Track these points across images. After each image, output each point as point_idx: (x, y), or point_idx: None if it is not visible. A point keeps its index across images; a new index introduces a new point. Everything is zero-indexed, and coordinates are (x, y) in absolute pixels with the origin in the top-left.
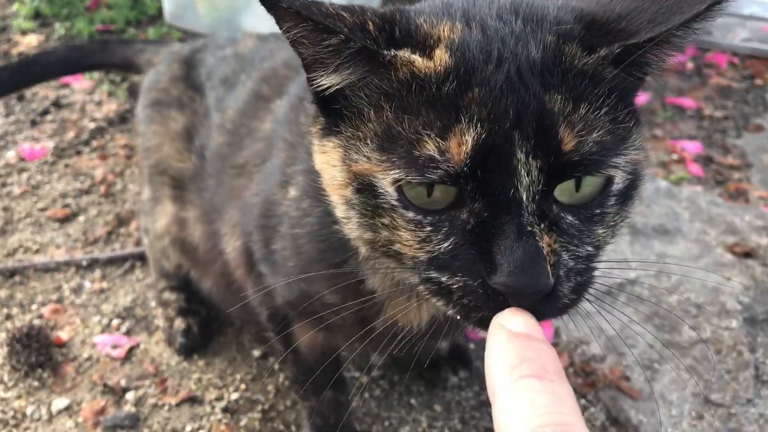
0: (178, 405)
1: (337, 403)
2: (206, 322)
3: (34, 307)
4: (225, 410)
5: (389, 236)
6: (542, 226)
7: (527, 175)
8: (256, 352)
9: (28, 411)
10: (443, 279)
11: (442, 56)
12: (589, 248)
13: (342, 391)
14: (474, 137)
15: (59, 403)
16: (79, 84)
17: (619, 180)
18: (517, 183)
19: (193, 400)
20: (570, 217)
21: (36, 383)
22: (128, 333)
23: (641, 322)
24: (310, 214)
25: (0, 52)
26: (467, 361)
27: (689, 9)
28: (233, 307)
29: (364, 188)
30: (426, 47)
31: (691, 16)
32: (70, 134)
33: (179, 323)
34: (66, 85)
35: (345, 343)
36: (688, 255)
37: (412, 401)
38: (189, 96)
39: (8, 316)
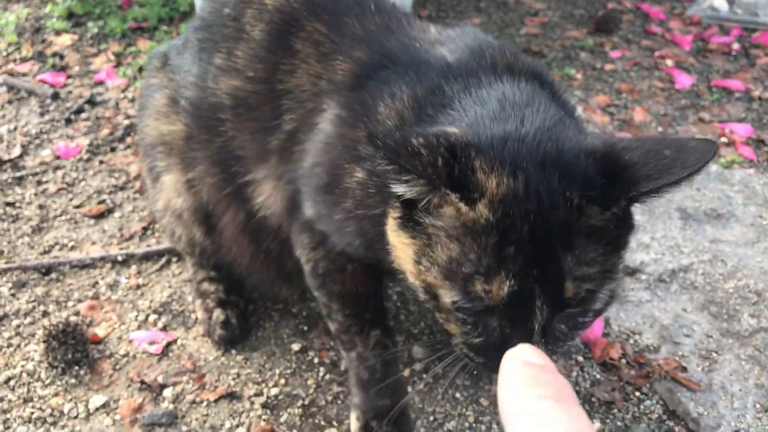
0: (216, 401)
1: (384, 347)
2: (244, 315)
3: (70, 304)
4: (264, 406)
5: (443, 323)
6: (542, 341)
7: (540, 315)
8: (296, 346)
9: (66, 408)
10: (471, 354)
11: (483, 211)
12: (569, 343)
13: (388, 334)
14: (509, 287)
15: (96, 400)
16: (113, 81)
17: (599, 304)
18: (533, 319)
19: (231, 396)
20: (563, 326)
21: (73, 380)
22: (165, 329)
23: (696, 310)
24: (374, 198)
25: (35, 52)
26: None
27: (678, 173)
28: (258, 275)
29: (430, 293)
30: (472, 199)
31: (676, 180)
32: (105, 131)
33: (218, 315)
34: (100, 83)
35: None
36: (744, 240)
37: (458, 395)
38: (168, 78)
39: (45, 313)
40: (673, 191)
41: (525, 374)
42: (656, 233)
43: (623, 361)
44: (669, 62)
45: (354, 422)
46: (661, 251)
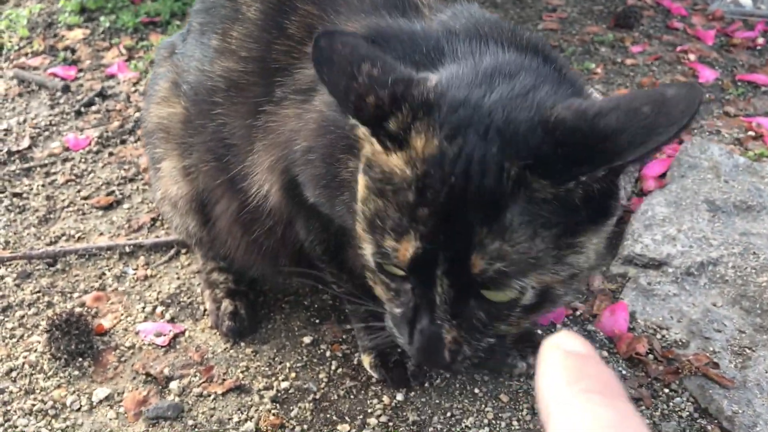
0: (224, 394)
1: None
2: (254, 306)
3: (75, 295)
4: (274, 400)
5: (373, 285)
6: (454, 322)
7: (440, 287)
8: (307, 339)
9: (68, 401)
10: (394, 331)
11: (400, 164)
12: (491, 339)
13: None
14: (413, 249)
15: (100, 392)
16: (124, 75)
17: (528, 297)
18: (434, 289)
19: (240, 389)
20: (482, 314)
21: (76, 372)
22: (172, 320)
23: (727, 305)
24: None
25: (46, 46)
26: (536, 345)
27: (665, 132)
28: (254, 268)
29: (360, 245)
30: (387, 146)
31: (664, 141)
32: (115, 123)
33: (227, 305)
34: (112, 77)
35: None
36: None
37: (476, 391)
38: (174, 65)
39: (49, 304)
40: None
41: (567, 365)
42: (683, 225)
43: (650, 356)
44: (692, 57)
45: (366, 358)
46: (689, 244)
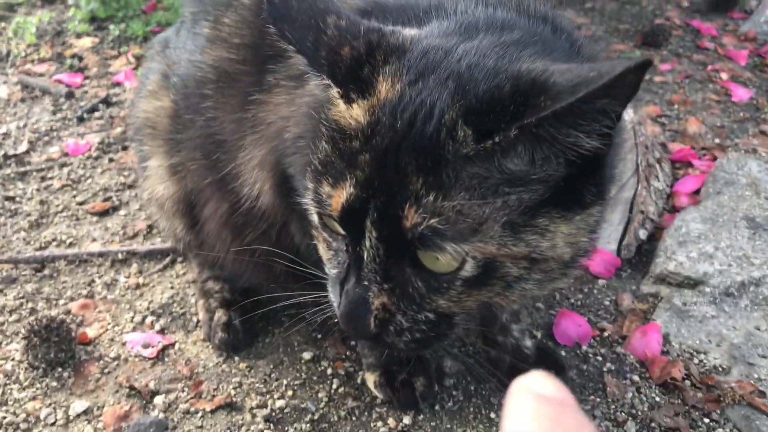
0: (213, 412)
1: None
2: (250, 318)
3: (61, 302)
4: (267, 419)
5: (318, 245)
6: (384, 286)
7: (369, 240)
8: (307, 355)
9: (43, 414)
10: (331, 295)
11: (357, 113)
12: (429, 314)
13: None
14: (346, 197)
15: (78, 406)
16: (131, 83)
17: (469, 268)
18: (362, 243)
19: (230, 406)
20: (419, 283)
21: (54, 383)
22: (163, 331)
23: None
24: None
25: (54, 53)
26: (560, 368)
27: (591, 83)
28: (245, 276)
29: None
30: (352, 99)
31: (582, 95)
32: (118, 130)
33: (220, 316)
34: (118, 84)
35: None
36: None
37: (492, 415)
38: (165, 58)
39: (33, 311)
40: (589, 127)
41: (539, 413)
42: (720, 243)
43: (687, 382)
44: (724, 76)
45: (370, 376)
46: (728, 262)
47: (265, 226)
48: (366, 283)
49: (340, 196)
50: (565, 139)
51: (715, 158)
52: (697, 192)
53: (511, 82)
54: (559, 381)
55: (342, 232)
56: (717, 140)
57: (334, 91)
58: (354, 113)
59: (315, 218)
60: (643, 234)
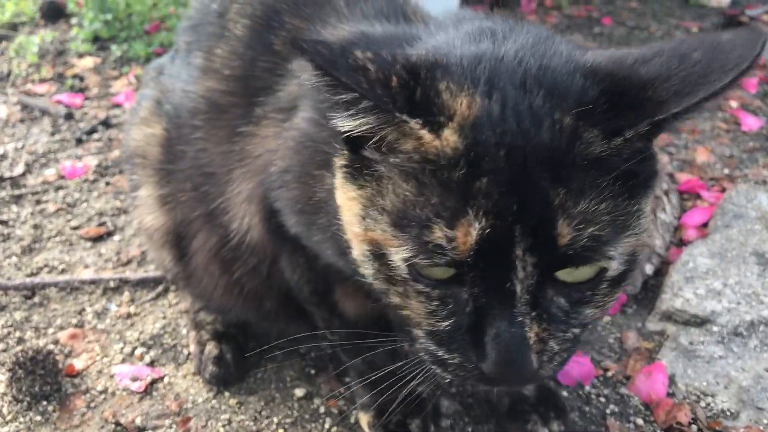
0: None
1: (393, 352)
2: (242, 352)
3: (50, 331)
4: None
5: (400, 302)
6: (533, 314)
7: (523, 270)
8: (299, 392)
9: None
10: (440, 353)
11: (451, 138)
12: (576, 330)
13: (396, 340)
14: (479, 231)
15: None
16: (131, 104)
17: (615, 268)
18: (514, 276)
19: None
20: (562, 300)
21: (38, 417)
22: (152, 364)
23: None
24: None
25: (55, 73)
26: (561, 410)
27: (718, 79)
28: (234, 312)
29: (378, 256)
30: (437, 124)
31: (718, 89)
32: (116, 152)
33: (211, 348)
34: (118, 105)
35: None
36: None
37: None
38: (159, 84)
39: (20, 340)
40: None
41: None
42: (729, 279)
43: (694, 427)
44: (733, 104)
45: (364, 416)
46: (736, 300)
47: (255, 261)
48: (520, 319)
49: (467, 235)
50: (678, 123)
51: (724, 189)
52: (705, 225)
53: (591, 78)
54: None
55: (451, 273)
56: (726, 170)
57: (413, 123)
58: (447, 139)
59: (403, 273)
60: (649, 269)
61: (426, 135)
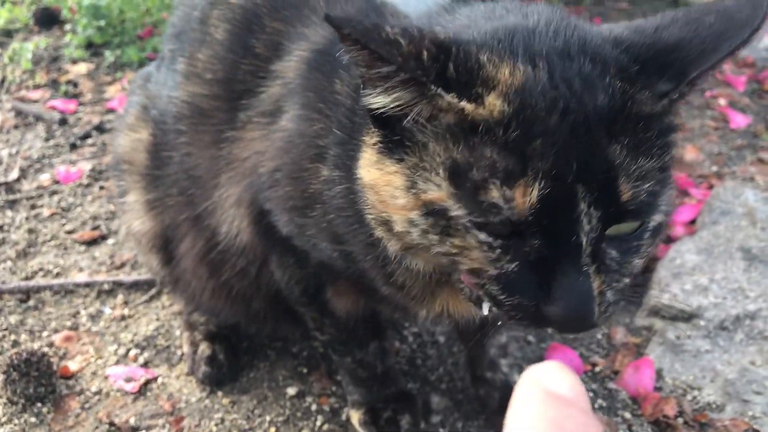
0: None
1: (382, 350)
2: (235, 352)
3: (45, 333)
4: None
5: (457, 255)
6: (594, 267)
7: (588, 224)
8: (291, 390)
9: None
10: (502, 297)
11: (495, 103)
12: (626, 279)
13: (385, 338)
14: (539, 191)
15: None
16: (120, 111)
17: (658, 218)
18: (579, 230)
19: None
20: (614, 252)
21: (33, 419)
22: (146, 365)
23: (767, 363)
24: (342, 195)
25: (49, 79)
26: None
27: (736, 36)
28: (223, 314)
29: (435, 213)
30: (475, 94)
31: (738, 44)
32: (109, 157)
33: (204, 349)
34: (112, 111)
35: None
36: None
37: None
38: (145, 91)
39: (15, 343)
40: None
41: (543, 414)
42: (715, 275)
43: (680, 420)
44: (722, 102)
45: (355, 414)
46: (722, 295)
47: (244, 264)
48: (586, 269)
49: (526, 195)
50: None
51: (712, 186)
52: (693, 221)
53: (618, 47)
54: (573, 375)
55: (509, 229)
56: (714, 168)
57: (449, 98)
58: (492, 105)
59: (462, 220)
60: None
61: (467, 106)
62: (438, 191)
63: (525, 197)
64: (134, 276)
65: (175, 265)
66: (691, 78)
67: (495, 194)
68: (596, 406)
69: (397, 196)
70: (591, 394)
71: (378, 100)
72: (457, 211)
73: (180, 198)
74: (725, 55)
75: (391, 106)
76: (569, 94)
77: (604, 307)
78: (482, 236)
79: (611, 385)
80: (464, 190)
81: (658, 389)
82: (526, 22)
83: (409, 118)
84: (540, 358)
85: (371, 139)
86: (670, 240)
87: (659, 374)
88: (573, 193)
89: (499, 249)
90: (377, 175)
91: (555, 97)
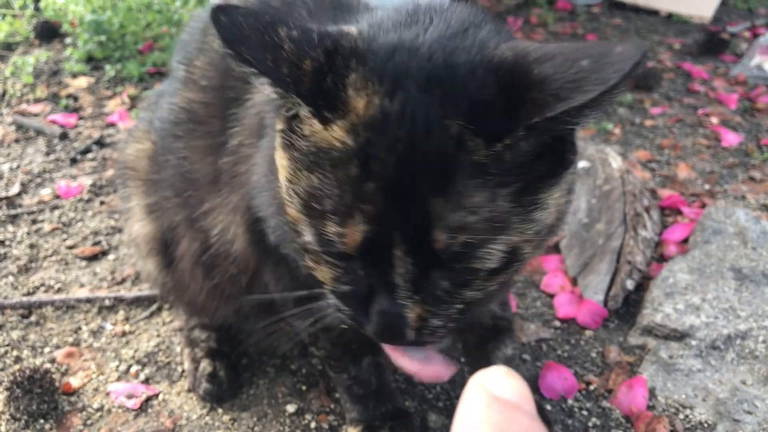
0: None
1: (377, 365)
2: (235, 369)
3: (47, 349)
4: None
5: (313, 266)
6: (417, 298)
7: (402, 267)
8: (291, 408)
9: None
10: (342, 307)
11: (339, 134)
12: (459, 306)
13: (380, 353)
14: (363, 233)
15: None
16: (125, 123)
17: (494, 261)
18: (393, 272)
19: None
20: (446, 283)
21: None
22: (147, 381)
23: (759, 383)
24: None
25: (49, 93)
26: (545, 423)
27: (590, 90)
28: (218, 315)
29: (294, 227)
30: (331, 116)
31: (586, 101)
32: (110, 172)
33: (205, 366)
34: (112, 125)
35: None
36: None
37: None
38: (152, 109)
39: (18, 359)
40: (593, 115)
41: (488, 417)
42: (707, 294)
43: None
44: (714, 120)
45: (353, 431)
46: (714, 314)
47: (235, 271)
48: (400, 301)
49: (354, 234)
50: (565, 126)
51: (704, 205)
52: (685, 240)
53: (493, 75)
54: (518, 379)
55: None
56: (707, 186)
57: (306, 111)
58: (336, 134)
59: (312, 245)
60: (630, 284)
61: (316, 124)
62: (296, 212)
63: (353, 237)
64: (135, 292)
65: (174, 268)
66: (530, 123)
67: (331, 230)
68: (590, 424)
69: (283, 190)
70: (585, 413)
71: (265, 89)
72: (306, 236)
73: (177, 200)
74: (572, 108)
75: (273, 96)
76: (408, 137)
77: (427, 330)
78: (328, 258)
79: (605, 403)
80: (312, 218)
81: (650, 408)
82: (417, 39)
83: (292, 113)
84: (535, 377)
85: (278, 124)
86: (663, 259)
87: (652, 393)
88: (391, 239)
89: (342, 270)
90: (279, 159)
91: (396, 138)
